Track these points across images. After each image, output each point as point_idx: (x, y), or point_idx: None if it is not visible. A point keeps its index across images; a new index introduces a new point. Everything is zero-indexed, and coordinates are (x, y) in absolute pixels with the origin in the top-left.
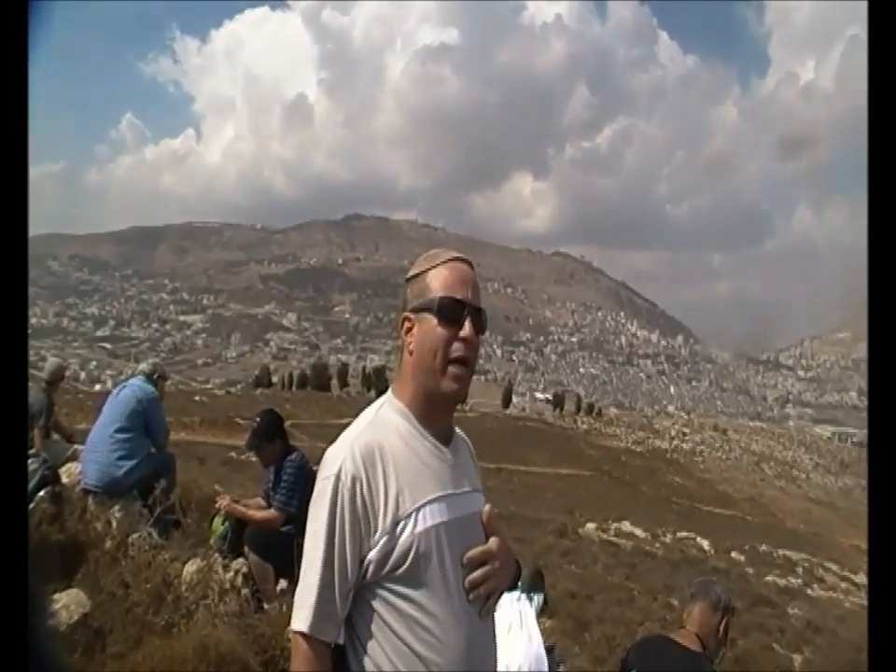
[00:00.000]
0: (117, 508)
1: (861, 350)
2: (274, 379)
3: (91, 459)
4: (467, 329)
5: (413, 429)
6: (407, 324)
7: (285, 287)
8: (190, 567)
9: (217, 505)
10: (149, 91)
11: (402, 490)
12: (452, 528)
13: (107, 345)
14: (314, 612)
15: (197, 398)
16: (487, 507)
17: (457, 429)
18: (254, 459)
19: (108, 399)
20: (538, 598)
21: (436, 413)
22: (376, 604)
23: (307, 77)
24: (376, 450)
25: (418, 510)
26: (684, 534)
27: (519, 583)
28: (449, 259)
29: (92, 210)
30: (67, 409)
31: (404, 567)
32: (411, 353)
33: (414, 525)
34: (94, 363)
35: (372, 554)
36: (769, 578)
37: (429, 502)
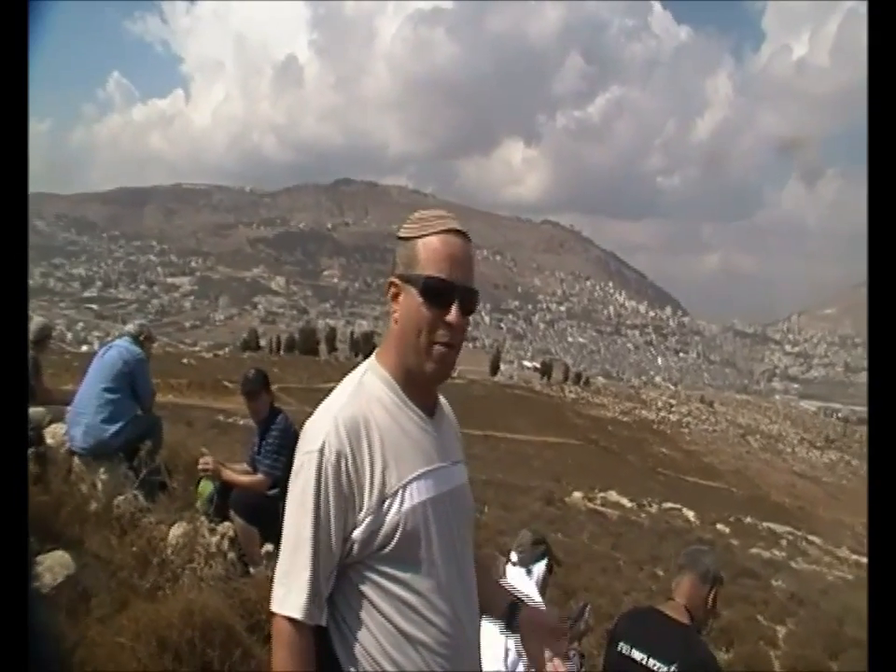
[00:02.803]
0: (102, 470)
1: (848, 326)
2: (262, 342)
3: (77, 421)
4: (453, 314)
5: (397, 400)
6: (393, 289)
7: (273, 251)
8: (176, 531)
9: (200, 466)
10: (137, 51)
11: (388, 466)
12: (438, 503)
13: (94, 306)
14: (298, 595)
15: (185, 360)
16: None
17: (441, 398)
18: (241, 423)
19: (94, 360)
20: (538, 569)
21: (420, 386)
22: (360, 583)
23: (298, 38)
24: (361, 423)
25: (405, 486)
26: (670, 504)
27: (519, 555)
28: (442, 230)
29: (79, 170)
30: (54, 370)
31: (391, 546)
32: (396, 322)
33: (401, 503)
34: (81, 324)
35: (357, 534)
36: (754, 550)
37: (416, 478)
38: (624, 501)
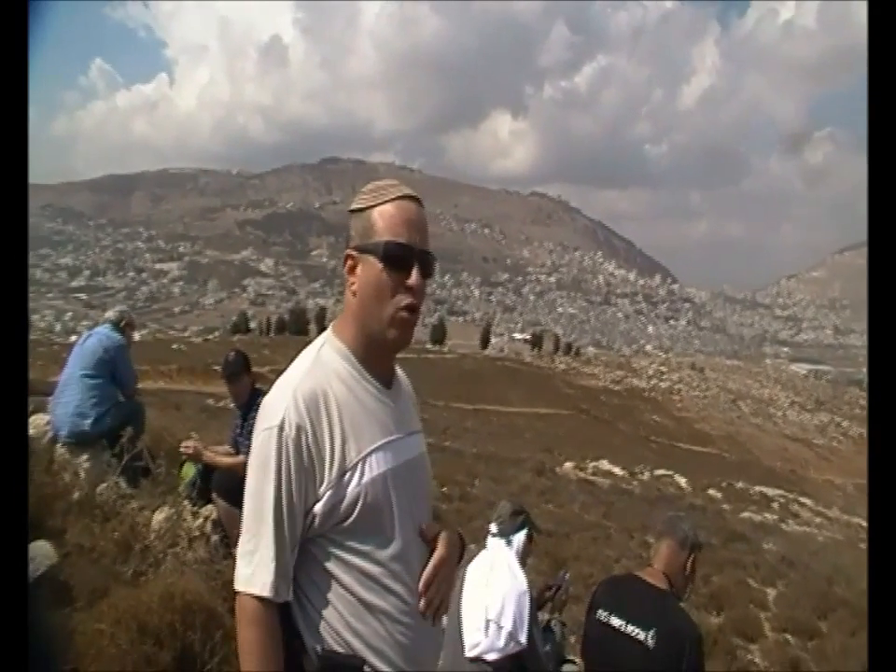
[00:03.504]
0: (85, 458)
1: (836, 289)
2: (252, 325)
3: (58, 409)
4: (414, 278)
5: (355, 372)
6: (350, 262)
7: (262, 233)
8: (159, 516)
9: (181, 449)
10: (119, 36)
11: (348, 438)
12: (398, 474)
13: (83, 296)
14: (264, 572)
15: (175, 346)
16: (428, 526)
17: (398, 368)
18: (231, 406)
19: (74, 348)
20: (517, 538)
21: (379, 357)
22: (321, 557)
23: (282, 17)
24: (320, 397)
25: (364, 459)
26: (662, 472)
27: (499, 526)
28: (396, 197)
29: (64, 158)
30: (42, 361)
31: (352, 517)
32: (354, 294)
33: (361, 475)
34: (69, 314)
35: (319, 507)
36: (745, 514)
37: (375, 450)
38: (616, 470)
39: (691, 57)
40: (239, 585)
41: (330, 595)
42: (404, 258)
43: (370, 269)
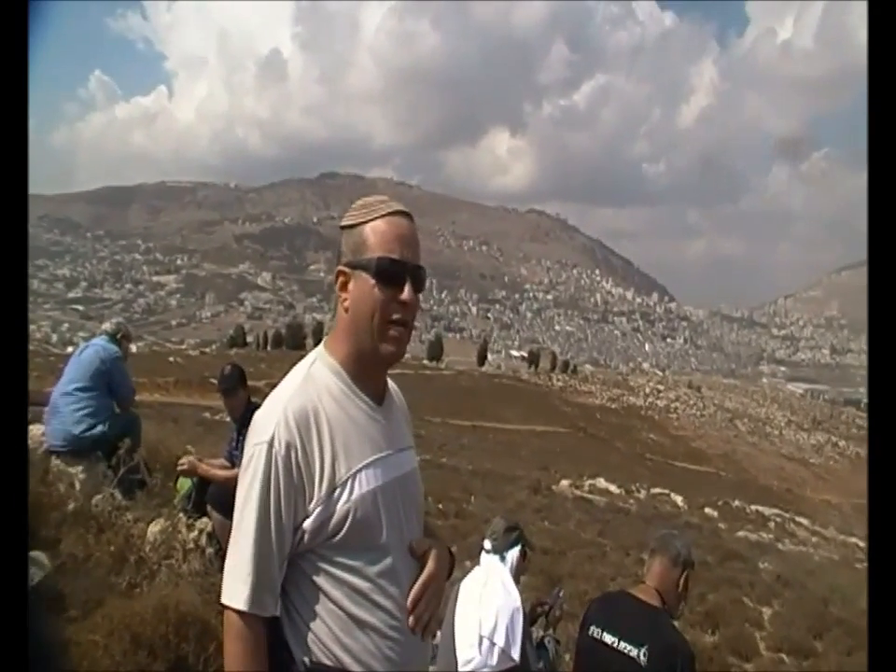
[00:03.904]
0: (80, 469)
1: (834, 308)
2: (249, 339)
3: (53, 420)
4: (406, 293)
5: (346, 389)
6: (342, 278)
7: (259, 247)
8: (154, 528)
9: (178, 465)
10: (119, 49)
11: (337, 455)
12: (388, 490)
13: (79, 307)
14: (251, 586)
15: (171, 358)
16: (418, 542)
17: (390, 382)
18: (228, 419)
19: (71, 359)
20: (511, 555)
21: (370, 373)
22: (311, 572)
23: (281, 31)
24: (310, 414)
25: (354, 476)
26: (658, 490)
27: (492, 542)
28: (387, 213)
29: (62, 169)
30: (39, 371)
31: (341, 534)
32: (346, 310)
33: (350, 492)
34: (66, 325)
35: (308, 523)
36: (741, 533)
37: (365, 467)
38: (612, 488)
39: (689, 76)
40: (224, 599)
41: (320, 610)
42: (397, 273)
43: (362, 285)
